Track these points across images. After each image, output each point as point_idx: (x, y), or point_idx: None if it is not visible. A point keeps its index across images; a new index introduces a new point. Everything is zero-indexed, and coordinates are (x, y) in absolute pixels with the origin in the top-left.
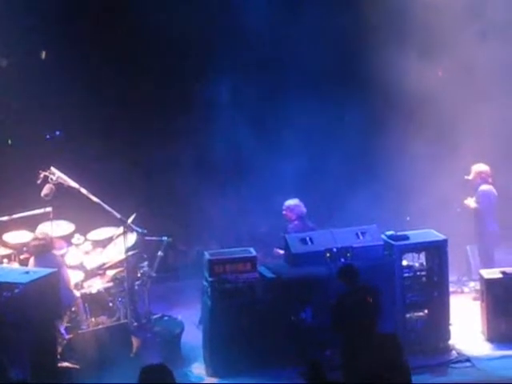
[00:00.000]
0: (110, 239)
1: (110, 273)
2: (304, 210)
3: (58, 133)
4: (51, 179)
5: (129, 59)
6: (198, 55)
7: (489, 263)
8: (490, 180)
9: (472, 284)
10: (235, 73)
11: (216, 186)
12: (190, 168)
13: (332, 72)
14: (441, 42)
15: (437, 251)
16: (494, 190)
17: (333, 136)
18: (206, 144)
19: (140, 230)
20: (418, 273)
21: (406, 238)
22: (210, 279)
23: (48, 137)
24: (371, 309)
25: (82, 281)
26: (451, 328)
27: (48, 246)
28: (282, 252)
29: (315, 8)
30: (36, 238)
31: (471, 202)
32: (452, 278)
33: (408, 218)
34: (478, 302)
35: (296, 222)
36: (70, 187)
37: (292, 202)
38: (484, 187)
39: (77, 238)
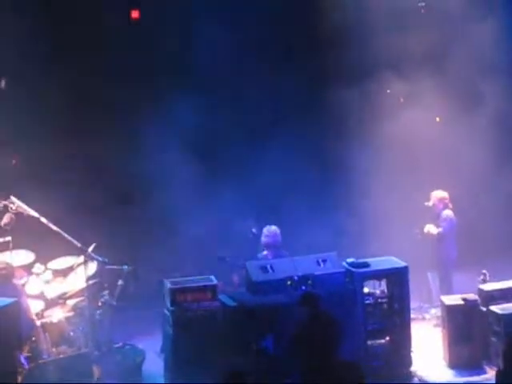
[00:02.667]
0: (71, 268)
1: (71, 302)
2: (279, 238)
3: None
4: (11, 208)
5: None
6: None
7: (448, 289)
8: (450, 205)
9: (433, 311)
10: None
11: (178, 214)
12: (148, 199)
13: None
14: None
15: (398, 278)
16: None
17: (294, 163)
18: (162, 182)
19: (101, 259)
20: (380, 300)
21: (367, 265)
22: (171, 308)
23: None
24: (332, 335)
25: (43, 310)
26: (413, 355)
27: (9, 275)
28: (236, 281)
29: None
30: None
31: (432, 228)
32: (413, 304)
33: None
34: (440, 329)
35: (265, 252)
36: (29, 216)
37: (270, 229)
38: (447, 212)
39: (37, 268)
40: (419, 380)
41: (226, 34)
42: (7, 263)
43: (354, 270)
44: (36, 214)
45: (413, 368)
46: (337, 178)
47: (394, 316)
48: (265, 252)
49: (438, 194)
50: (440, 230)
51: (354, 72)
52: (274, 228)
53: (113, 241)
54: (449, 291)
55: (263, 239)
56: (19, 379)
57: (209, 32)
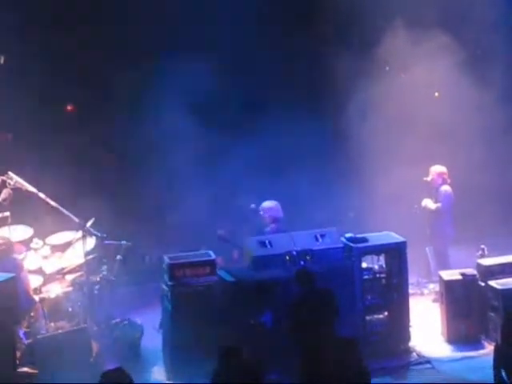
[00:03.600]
0: (69, 243)
1: (69, 277)
2: (280, 213)
3: (9, 135)
4: (9, 184)
5: (87, 62)
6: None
7: (445, 264)
8: (448, 181)
9: (431, 286)
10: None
11: (177, 188)
12: (151, 172)
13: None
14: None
15: (396, 253)
16: None
17: (301, 137)
18: (168, 146)
19: (99, 234)
20: (378, 275)
21: (366, 240)
22: (169, 283)
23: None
24: (328, 312)
25: (41, 285)
26: (411, 330)
27: (8, 250)
28: (235, 256)
29: None
30: None
31: (429, 203)
32: (412, 279)
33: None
34: (438, 304)
35: (272, 225)
36: (27, 192)
37: (268, 203)
38: (445, 187)
39: (35, 243)
40: (417, 355)
41: None
42: (6, 238)
43: (352, 244)
44: (34, 190)
45: (411, 343)
46: (337, 153)
47: (393, 291)
48: (272, 225)
49: (438, 169)
50: (438, 205)
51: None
52: (273, 202)
53: (111, 216)
54: (446, 266)
55: (269, 213)
56: (18, 354)
57: None
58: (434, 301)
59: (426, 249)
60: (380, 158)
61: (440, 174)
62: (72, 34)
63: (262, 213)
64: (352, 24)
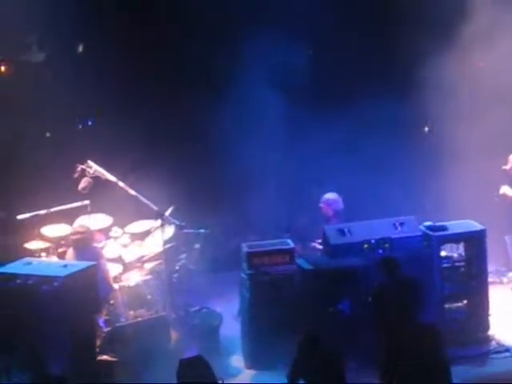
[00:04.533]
0: (148, 232)
1: (148, 265)
2: (341, 205)
3: (89, 122)
4: (88, 172)
5: (165, 46)
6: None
7: None
8: None
9: (511, 274)
10: None
11: (255, 179)
12: (226, 160)
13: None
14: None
15: (475, 241)
16: None
17: (369, 129)
18: (242, 138)
19: (178, 223)
20: (457, 263)
21: (445, 228)
22: (248, 271)
23: (80, 126)
24: (413, 300)
25: (121, 274)
26: (490, 318)
27: (88, 239)
28: (319, 247)
29: None
30: (77, 232)
31: (508, 191)
32: (491, 268)
33: None
34: None
35: (335, 220)
36: (107, 180)
37: (331, 196)
38: None
39: (115, 231)
40: (497, 344)
41: None
42: (87, 227)
43: (431, 233)
44: (113, 178)
45: (490, 332)
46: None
47: (472, 280)
48: (334, 220)
49: None
50: None
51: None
52: (334, 195)
53: (190, 204)
54: None
55: (333, 206)
56: (98, 342)
57: None
58: None
59: (506, 237)
60: (460, 145)
61: None
62: None
63: (322, 205)
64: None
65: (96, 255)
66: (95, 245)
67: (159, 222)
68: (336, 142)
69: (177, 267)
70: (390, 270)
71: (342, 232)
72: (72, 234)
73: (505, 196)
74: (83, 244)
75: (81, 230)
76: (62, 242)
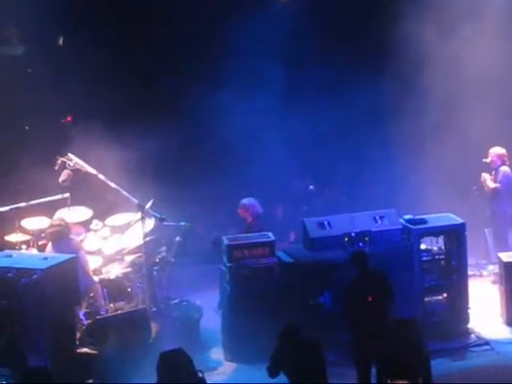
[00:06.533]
0: (128, 225)
1: (129, 258)
2: (259, 209)
3: (69, 118)
4: (69, 165)
5: (143, 41)
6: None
7: (503, 245)
8: (507, 162)
9: (491, 267)
10: None
11: (232, 171)
12: (206, 154)
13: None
14: None
15: (455, 235)
16: None
17: (349, 121)
18: (223, 130)
19: (158, 216)
20: (437, 256)
21: (425, 221)
22: (228, 264)
23: (62, 121)
24: (381, 293)
25: (101, 266)
26: (470, 311)
27: (65, 231)
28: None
29: None
30: (52, 225)
31: (489, 180)
32: (470, 261)
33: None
34: (497, 286)
35: (256, 223)
36: (87, 173)
37: (247, 201)
38: (505, 168)
39: (95, 224)
40: (476, 337)
41: None
42: (63, 219)
43: (411, 226)
44: (94, 171)
45: (470, 325)
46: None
47: (452, 273)
48: (254, 222)
49: (497, 151)
50: (498, 185)
51: None
52: (251, 199)
53: (170, 197)
54: (505, 248)
55: (253, 210)
56: (78, 335)
57: None
58: (493, 282)
59: (485, 230)
60: (438, 137)
61: (499, 156)
62: None
63: (239, 210)
64: None
65: (74, 248)
66: (72, 237)
67: (139, 214)
68: (318, 136)
69: (157, 260)
70: (362, 262)
71: (321, 225)
72: (48, 227)
73: (485, 184)
74: (59, 237)
75: (56, 223)
76: (42, 235)
